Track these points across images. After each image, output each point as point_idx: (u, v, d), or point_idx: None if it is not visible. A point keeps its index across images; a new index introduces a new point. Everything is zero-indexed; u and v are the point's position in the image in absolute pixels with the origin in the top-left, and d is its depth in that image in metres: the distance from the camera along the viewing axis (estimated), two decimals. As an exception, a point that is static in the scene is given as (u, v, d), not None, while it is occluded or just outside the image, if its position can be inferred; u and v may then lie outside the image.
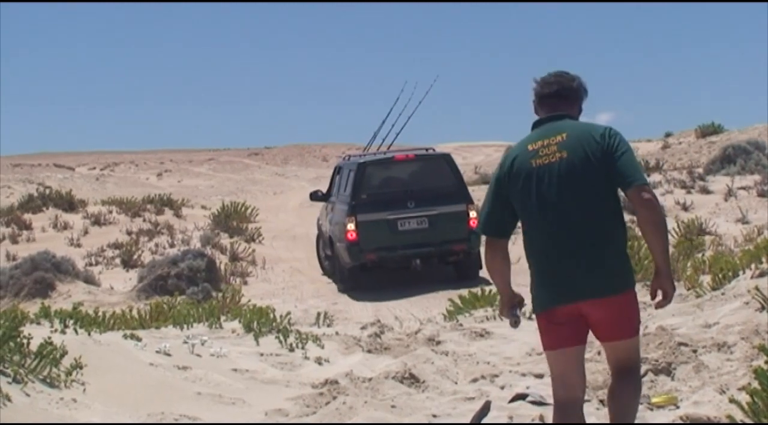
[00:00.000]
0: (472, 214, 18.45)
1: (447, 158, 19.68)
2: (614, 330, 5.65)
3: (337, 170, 20.91)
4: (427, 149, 20.91)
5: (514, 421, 7.64)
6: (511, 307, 5.92)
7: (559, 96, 5.83)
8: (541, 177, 5.63)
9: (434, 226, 18.63)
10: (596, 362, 9.11)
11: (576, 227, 5.56)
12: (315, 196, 21.41)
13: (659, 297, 5.66)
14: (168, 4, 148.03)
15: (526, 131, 5.86)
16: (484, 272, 18.17)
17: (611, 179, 5.59)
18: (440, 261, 19.39)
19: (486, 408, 7.82)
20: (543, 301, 5.67)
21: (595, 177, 5.57)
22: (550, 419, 7.33)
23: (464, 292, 14.58)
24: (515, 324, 5.94)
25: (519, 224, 5.84)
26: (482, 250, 8.70)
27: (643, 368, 8.35)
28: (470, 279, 18.28)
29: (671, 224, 20.92)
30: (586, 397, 7.93)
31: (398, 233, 18.65)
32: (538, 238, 5.67)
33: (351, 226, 18.48)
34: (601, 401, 7.84)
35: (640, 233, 5.97)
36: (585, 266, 5.54)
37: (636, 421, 5.91)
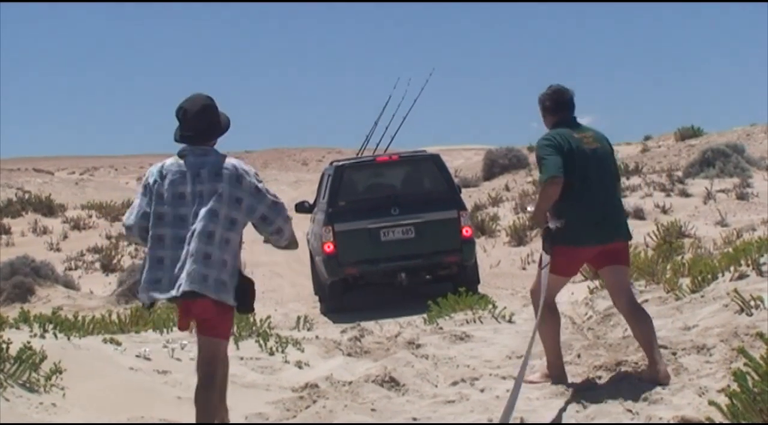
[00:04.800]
0: (464, 221, 16.76)
1: (436, 160, 17.55)
2: (622, 259, 8.22)
3: (322, 177, 18.90)
4: (416, 151, 18.35)
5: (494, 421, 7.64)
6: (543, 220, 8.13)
7: (572, 103, 8.33)
8: (594, 157, 8.05)
9: (422, 235, 16.63)
10: (576, 365, 9.12)
11: (613, 194, 8.22)
12: (301, 207, 18.51)
13: None
14: (142, 6, 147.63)
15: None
16: (482, 287, 17.20)
17: None
18: (430, 275, 17.27)
19: None
20: (583, 239, 8.03)
21: (614, 165, 8.39)
22: (530, 421, 7.35)
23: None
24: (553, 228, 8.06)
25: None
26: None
27: (623, 370, 8.37)
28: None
29: (651, 227, 20.97)
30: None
31: (381, 244, 16.64)
32: (590, 197, 7.99)
33: (328, 236, 16.58)
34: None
35: None
36: (617, 220, 8.20)
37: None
